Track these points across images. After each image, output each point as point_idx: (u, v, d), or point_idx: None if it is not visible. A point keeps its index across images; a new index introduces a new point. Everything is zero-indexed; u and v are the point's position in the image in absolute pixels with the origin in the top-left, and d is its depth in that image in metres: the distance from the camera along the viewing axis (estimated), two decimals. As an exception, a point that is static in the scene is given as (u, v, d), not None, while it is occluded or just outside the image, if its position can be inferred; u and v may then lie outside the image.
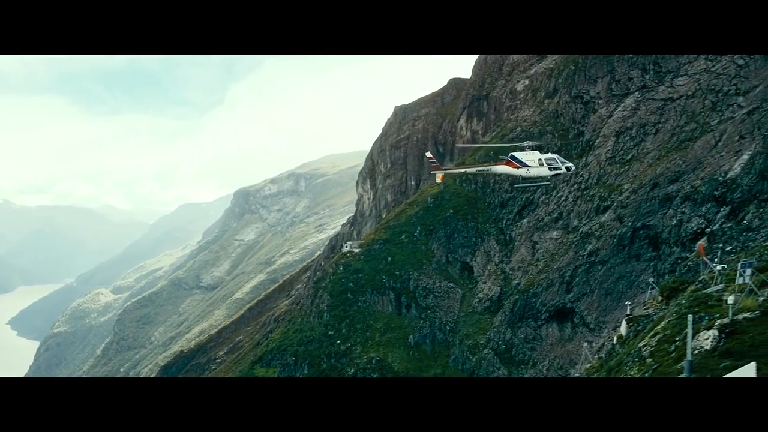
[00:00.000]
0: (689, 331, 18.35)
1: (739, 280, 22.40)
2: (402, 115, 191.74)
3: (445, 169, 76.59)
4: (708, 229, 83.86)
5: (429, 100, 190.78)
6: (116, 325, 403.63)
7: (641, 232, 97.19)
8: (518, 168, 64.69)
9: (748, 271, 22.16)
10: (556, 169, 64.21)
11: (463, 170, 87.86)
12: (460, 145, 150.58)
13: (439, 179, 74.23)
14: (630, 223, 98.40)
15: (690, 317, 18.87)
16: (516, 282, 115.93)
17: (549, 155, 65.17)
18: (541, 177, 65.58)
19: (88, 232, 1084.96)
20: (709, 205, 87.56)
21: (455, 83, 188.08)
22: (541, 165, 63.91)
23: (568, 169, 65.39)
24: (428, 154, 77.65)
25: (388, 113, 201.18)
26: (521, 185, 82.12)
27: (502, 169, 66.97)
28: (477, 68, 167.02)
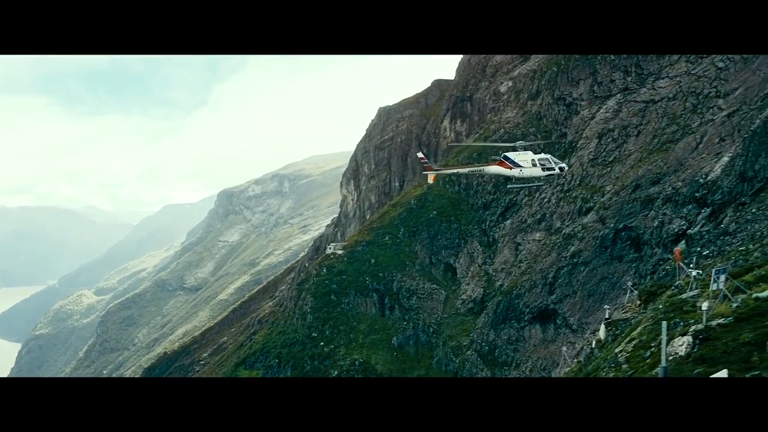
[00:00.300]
0: (663, 337, 18.32)
1: (714, 286, 22.43)
2: (386, 116, 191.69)
3: (437, 170, 75.57)
4: (689, 231, 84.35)
5: (413, 101, 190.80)
6: (99, 327, 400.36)
7: (623, 233, 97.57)
8: (511, 168, 64.01)
9: (722, 278, 22.19)
10: (549, 169, 63.63)
11: (455, 171, 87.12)
12: (452, 144, 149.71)
13: (430, 180, 73.00)
14: (612, 225, 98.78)
15: (664, 324, 18.84)
16: (499, 283, 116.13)
17: (542, 155, 64.51)
18: (534, 177, 64.99)
19: (71, 234, 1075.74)
20: (690, 206, 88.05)
21: (439, 84, 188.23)
22: (534, 165, 63.23)
23: (561, 169, 64.97)
24: (420, 155, 76.29)
25: (372, 114, 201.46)
26: (514, 186, 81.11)
27: (494, 169, 66.28)
28: (460, 69, 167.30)
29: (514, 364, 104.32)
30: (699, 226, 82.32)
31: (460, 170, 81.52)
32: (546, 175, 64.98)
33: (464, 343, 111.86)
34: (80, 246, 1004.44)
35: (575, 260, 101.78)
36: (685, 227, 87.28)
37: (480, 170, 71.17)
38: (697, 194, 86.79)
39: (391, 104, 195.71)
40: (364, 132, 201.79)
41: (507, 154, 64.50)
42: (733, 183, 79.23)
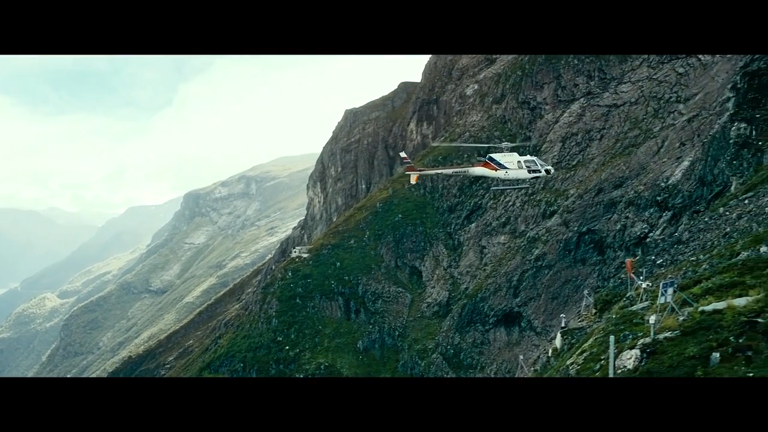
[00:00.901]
0: (611, 352, 18.28)
1: (661, 299, 22.50)
2: (352, 118, 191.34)
3: (419, 170, 74.05)
4: (650, 234, 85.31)
5: (379, 103, 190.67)
6: (62, 331, 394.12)
7: (587, 236, 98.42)
8: (496, 170, 61.74)
9: (670, 291, 22.26)
10: (535, 171, 61.40)
11: (438, 171, 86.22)
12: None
13: (413, 180, 70.68)
14: (576, 228, 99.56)
15: (612, 338, 18.81)
16: (464, 286, 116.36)
17: (528, 157, 62.59)
18: (519, 180, 62.90)
19: (33, 236, 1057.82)
20: (651, 210, 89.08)
21: (405, 87, 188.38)
22: (520, 167, 61.01)
23: (547, 172, 63.00)
24: (403, 154, 73.97)
25: (338, 114, 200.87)
26: (499, 188, 79.45)
27: (479, 171, 64.17)
28: (427, 72, 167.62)
29: (479, 367, 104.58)
30: (660, 229, 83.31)
31: (444, 171, 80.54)
32: (532, 178, 62.86)
33: (430, 347, 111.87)
34: (43, 248, 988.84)
35: (539, 263, 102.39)
36: (647, 230, 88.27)
37: (464, 171, 69.75)
38: (658, 198, 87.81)
39: (357, 106, 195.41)
40: (331, 134, 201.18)
41: (492, 155, 62.23)
42: (693, 187, 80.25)
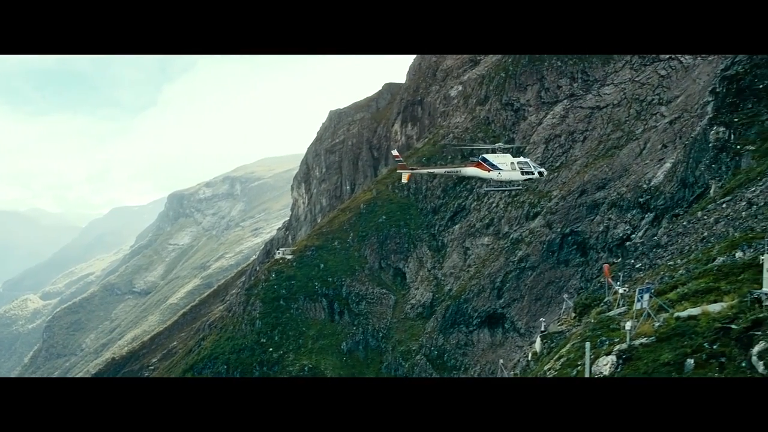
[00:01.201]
0: (587, 359, 18.31)
1: (637, 305, 22.59)
2: (337, 119, 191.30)
3: (411, 169, 73.11)
4: (633, 235, 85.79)
5: (364, 104, 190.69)
6: (45, 332, 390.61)
7: (570, 238, 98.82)
8: (489, 171, 60.97)
9: (646, 296, 22.36)
10: (528, 173, 60.71)
11: (430, 170, 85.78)
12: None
13: (405, 179, 70.19)
14: (559, 230, 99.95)
15: (587, 344, 18.87)
16: (448, 288, 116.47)
17: (521, 159, 62.14)
18: (512, 181, 62.20)
19: (16, 237, 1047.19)
20: (634, 211, 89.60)
21: (390, 88, 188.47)
22: (513, 169, 60.23)
23: (540, 174, 62.62)
24: (395, 152, 73.13)
25: (323, 115, 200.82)
26: (491, 189, 78.80)
27: (471, 171, 63.40)
28: (411, 73, 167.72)
29: (462, 368, 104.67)
30: (643, 230, 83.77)
31: (436, 170, 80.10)
32: (524, 180, 62.10)
33: (413, 348, 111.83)
34: (25, 249, 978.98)
35: (523, 264, 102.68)
36: (629, 232, 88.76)
37: (456, 171, 69.16)
38: (640, 199, 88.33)
39: (342, 107, 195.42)
40: (315, 135, 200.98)
41: (485, 155, 61.46)
42: (675, 189, 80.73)
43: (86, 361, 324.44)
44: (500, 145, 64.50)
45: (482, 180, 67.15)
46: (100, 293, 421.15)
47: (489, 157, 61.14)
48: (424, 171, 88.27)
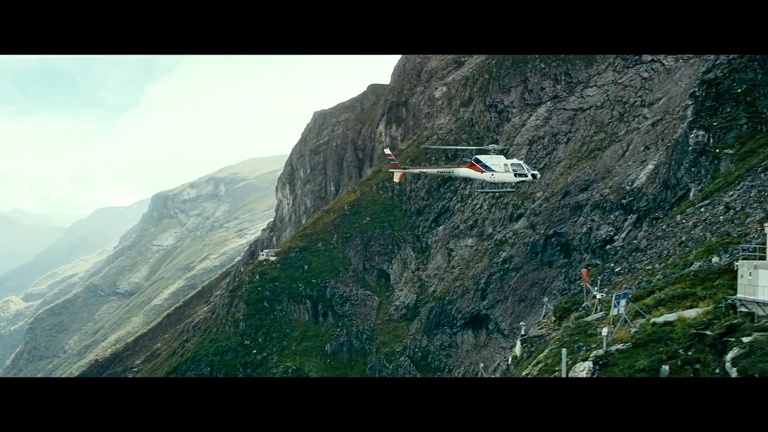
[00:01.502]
0: (563, 365, 18.37)
1: (614, 311, 22.67)
2: (321, 120, 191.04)
3: (403, 168, 72.62)
4: (616, 236, 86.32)
5: (348, 105, 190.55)
6: (27, 334, 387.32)
7: (553, 239, 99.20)
8: (482, 172, 59.97)
9: (623, 302, 22.44)
10: (521, 175, 59.77)
11: (422, 170, 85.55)
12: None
13: (396, 178, 68.95)
14: (542, 231, 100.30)
15: (564, 351, 18.92)
16: (432, 289, 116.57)
17: (514, 161, 61.42)
18: (505, 183, 61.05)
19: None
20: (617, 213, 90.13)
21: (374, 89, 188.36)
22: (507, 170, 59.31)
23: (534, 176, 61.71)
24: (387, 151, 72.49)
25: (307, 116, 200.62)
26: (484, 190, 78.48)
27: (464, 172, 62.55)
28: (396, 74, 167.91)
29: (446, 370, 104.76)
30: (626, 232, 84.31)
31: (428, 170, 79.72)
32: (518, 182, 61.14)
33: (397, 349, 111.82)
34: (7, 250, 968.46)
35: (507, 266, 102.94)
36: (612, 233, 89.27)
37: (449, 172, 68.39)
38: (623, 201, 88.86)
39: (326, 108, 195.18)
40: (300, 136, 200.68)
41: (478, 156, 60.52)
42: (657, 190, 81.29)
43: (69, 363, 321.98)
44: (494, 146, 62.95)
45: (475, 181, 66.33)
46: (84, 294, 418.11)
47: (482, 158, 60.40)
48: (417, 170, 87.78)
